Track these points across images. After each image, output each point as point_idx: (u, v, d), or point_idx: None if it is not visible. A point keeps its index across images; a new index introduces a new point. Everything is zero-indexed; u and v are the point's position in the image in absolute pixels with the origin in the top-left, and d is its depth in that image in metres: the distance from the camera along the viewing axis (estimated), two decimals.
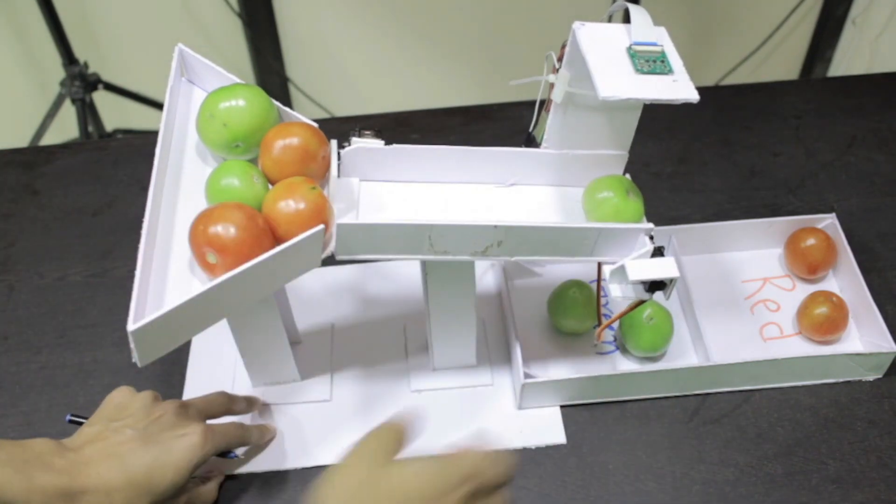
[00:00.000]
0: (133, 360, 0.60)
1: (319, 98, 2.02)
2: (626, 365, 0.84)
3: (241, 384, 0.82)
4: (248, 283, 0.63)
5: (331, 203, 0.67)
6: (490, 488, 0.56)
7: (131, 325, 0.58)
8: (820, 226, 0.90)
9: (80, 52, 1.71)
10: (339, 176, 0.71)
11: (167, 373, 0.83)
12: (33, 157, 1.06)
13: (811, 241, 0.88)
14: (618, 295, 0.69)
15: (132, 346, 0.59)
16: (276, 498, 0.75)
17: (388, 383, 0.83)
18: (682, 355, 0.84)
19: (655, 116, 1.10)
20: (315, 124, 0.71)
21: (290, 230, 0.64)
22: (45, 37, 1.68)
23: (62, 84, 1.74)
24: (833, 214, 0.89)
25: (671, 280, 0.67)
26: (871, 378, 0.82)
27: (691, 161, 1.04)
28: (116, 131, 1.86)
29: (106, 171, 1.03)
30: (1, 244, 0.96)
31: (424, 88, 2.03)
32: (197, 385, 0.83)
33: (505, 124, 1.08)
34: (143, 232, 0.64)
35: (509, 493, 0.57)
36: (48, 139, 1.78)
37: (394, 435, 0.58)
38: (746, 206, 0.99)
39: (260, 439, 0.76)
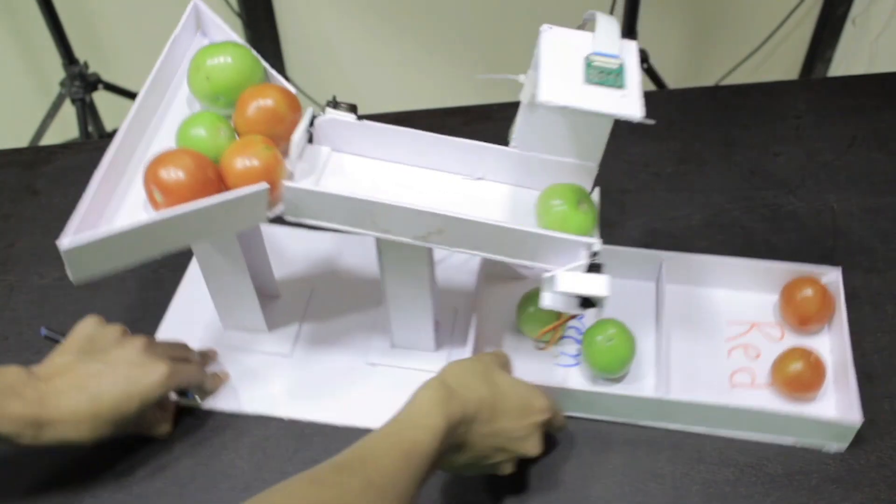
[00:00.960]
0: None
1: (320, 98, 2.02)
2: (578, 380, 0.82)
3: (216, 326, 0.86)
4: (186, 225, 0.66)
5: (286, 164, 0.70)
6: (548, 428, 0.73)
7: (63, 244, 0.62)
8: (823, 279, 0.85)
9: (80, 52, 1.71)
10: (311, 142, 0.74)
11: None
12: (33, 157, 1.06)
13: (807, 293, 0.84)
14: (547, 303, 0.69)
15: (65, 262, 0.63)
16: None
17: (348, 351, 0.85)
18: (643, 382, 0.82)
19: (655, 116, 1.10)
20: (293, 90, 0.73)
21: (240, 184, 0.67)
22: (45, 37, 1.68)
23: (62, 84, 1.74)
24: (839, 269, 0.85)
25: (600, 298, 0.67)
26: (832, 449, 0.77)
27: (691, 161, 1.04)
28: (116, 131, 1.86)
29: None
30: (1, 244, 0.96)
31: (424, 88, 2.03)
32: (174, 324, 0.87)
33: (505, 124, 1.07)
34: (107, 158, 0.68)
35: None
36: (48, 139, 1.78)
37: (505, 359, 0.75)
38: (746, 206, 0.99)
39: (213, 385, 0.81)
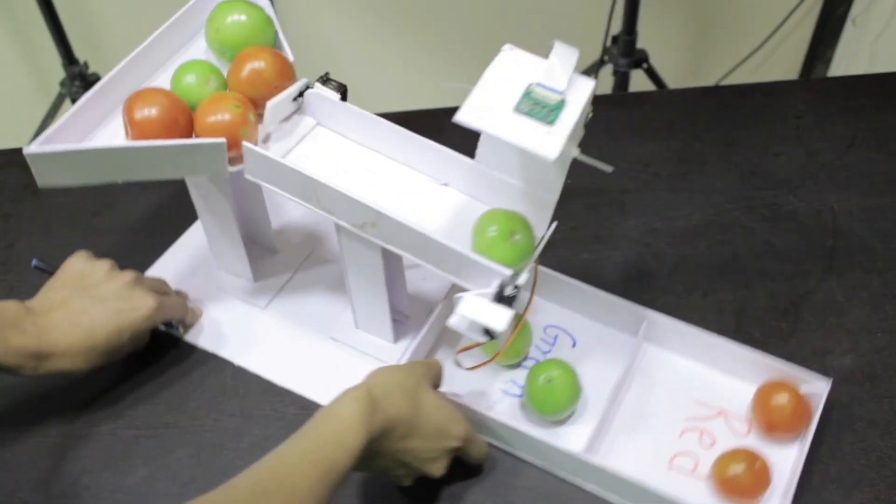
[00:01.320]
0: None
1: None
2: (514, 412, 0.80)
3: (210, 265, 0.91)
4: (142, 160, 0.71)
5: (258, 127, 0.74)
6: (465, 456, 0.72)
7: (28, 150, 0.69)
8: (804, 386, 0.77)
9: (80, 52, 1.71)
10: (298, 112, 0.77)
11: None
12: None
13: (781, 400, 0.76)
14: (452, 323, 0.68)
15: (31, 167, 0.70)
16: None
17: (316, 320, 0.88)
18: (578, 433, 0.77)
19: (655, 116, 1.10)
20: (291, 58, 0.77)
21: (204, 135, 0.72)
22: (45, 37, 1.68)
23: (62, 84, 1.74)
24: (829, 381, 0.77)
25: (495, 331, 0.66)
26: None
27: (691, 161, 1.04)
28: None
29: None
30: (1, 244, 0.96)
31: (424, 88, 2.03)
32: (175, 255, 0.93)
33: None
34: (101, 82, 0.74)
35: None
36: None
37: (438, 371, 0.73)
38: (746, 206, 0.99)
39: (192, 319, 0.86)
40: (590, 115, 0.67)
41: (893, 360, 0.84)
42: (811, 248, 0.94)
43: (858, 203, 0.99)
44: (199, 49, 0.81)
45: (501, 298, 0.67)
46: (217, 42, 0.77)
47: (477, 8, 1.87)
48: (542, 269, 0.84)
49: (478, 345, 0.71)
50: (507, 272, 0.67)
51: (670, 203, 0.99)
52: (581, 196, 0.98)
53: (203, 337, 0.86)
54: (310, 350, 0.85)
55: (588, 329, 0.86)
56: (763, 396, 0.78)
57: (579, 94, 0.64)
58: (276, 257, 0.93)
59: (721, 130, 1.08)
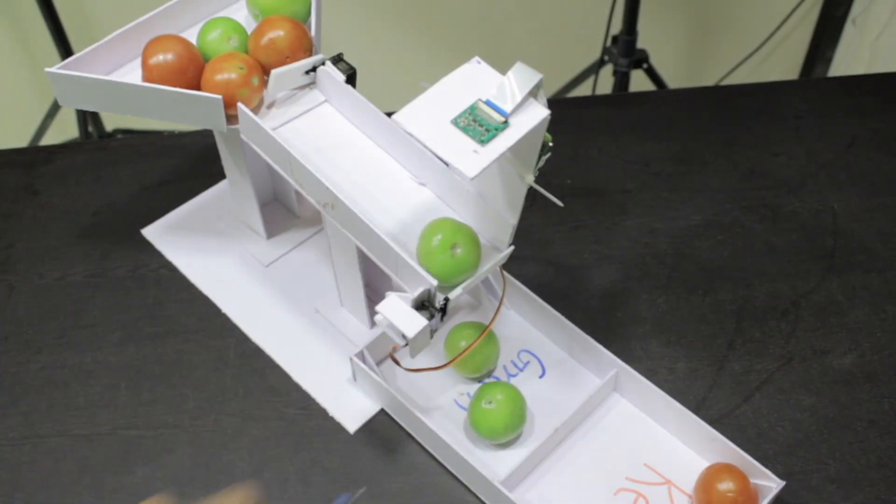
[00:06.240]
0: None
1: None
2: (454, 424, 0.79)
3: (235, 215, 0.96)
4: (149, 101, 0.75)
5: (258, 88, 0.76)
6: None
7: (49, 69, 0.73)
8: (756, 479, 0.72)
9: None
10: (311, 86, 0.80)
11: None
12: (33, 157, 1.06)
13: (726, 486, 0.70)
14: (375, 318, 0.68)
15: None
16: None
17: (308, 291, 0.89)
18: (510, 459, 0.75)
19: (655, 116, 1.10)
20: (313, 33, 0.78)
21: (207, 89, 0.75)
22: (45, 37, 1.68)
23: None
24: (782, 483, 0.71)
25: (406, 336, 0.66)
26: None
27: (691, 161, 1.04)
28: (116, 131, 1.86)
29: (106, 171, 1.03)
30: (1, 244, 0.96)
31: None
32: (209, 199, 0.97)
33: None
34: (135, 22, 0.78)
35: None
36: (48, 139, 1.78)
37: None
38: (746, 206, 0.99)
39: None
40: (549, 145, 0.65)
41: (893, 360, 0.84)
42: (811, 248, 0.94)
43: (858, 203, 0.99)
44: (241, 7, 0.85)
45: (422, 306, 0.67)
46: (253, 4, 0.81)
47: (480, 10, 1.87)
48: (535, 298, 0.83)
49: (401, 347, 0.70)
50: (433, 282, 0.67)
51: (670, 203, 0.99)
52: (581, 196, 0.98)
53: (200, 277, 0.90)
54: (292, 317, 0.87)
55: (560, 363, 0.83)
56: (709, 477, 0.72)
57: (526, 120, 0.61)
58: (295, 221, 0.95)
59: (721, 130, 1.08)
